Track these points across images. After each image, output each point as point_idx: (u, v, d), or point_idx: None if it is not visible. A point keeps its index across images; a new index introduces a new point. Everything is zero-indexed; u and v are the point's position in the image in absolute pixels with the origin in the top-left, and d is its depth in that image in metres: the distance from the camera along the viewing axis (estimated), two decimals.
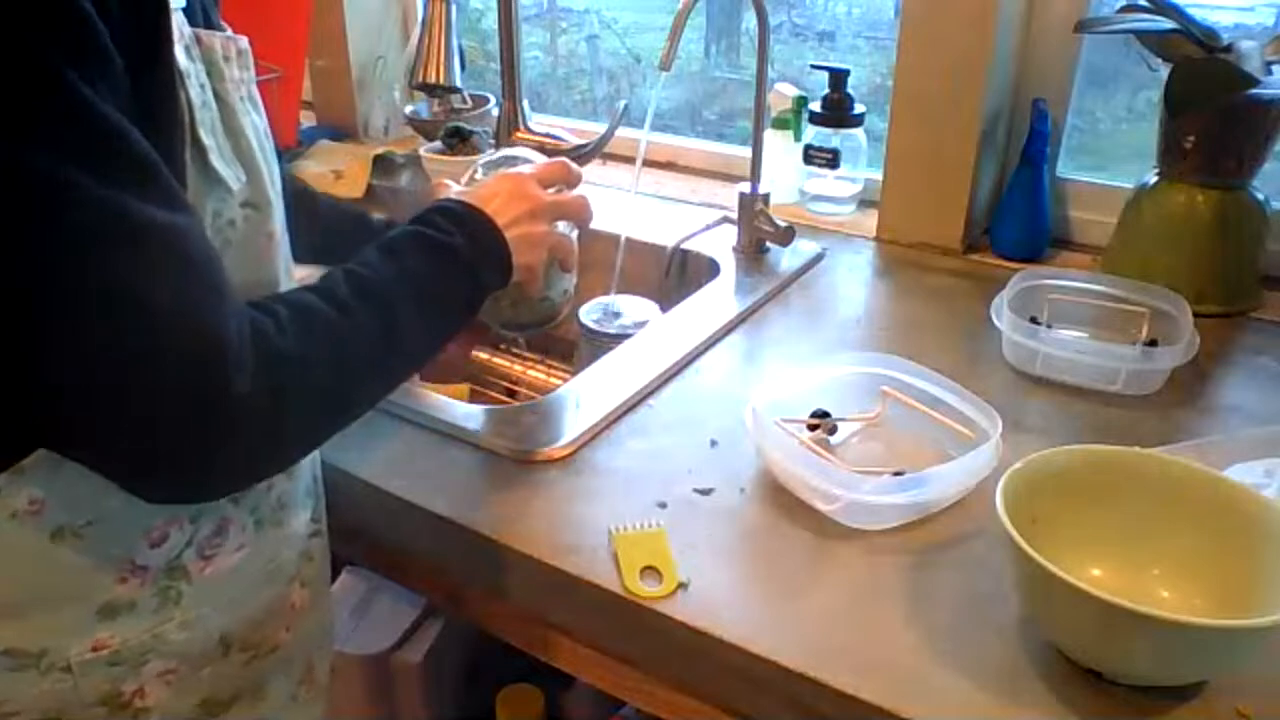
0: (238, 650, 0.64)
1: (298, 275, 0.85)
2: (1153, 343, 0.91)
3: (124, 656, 0.59)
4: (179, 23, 0.53)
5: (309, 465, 0.71)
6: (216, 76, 0.57)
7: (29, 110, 0.44)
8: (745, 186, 1.17)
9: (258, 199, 0.59)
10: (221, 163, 0.55)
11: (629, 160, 1.50)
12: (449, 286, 0.67)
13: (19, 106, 0.44)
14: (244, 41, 0.60)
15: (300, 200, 0.77)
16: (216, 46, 0.57)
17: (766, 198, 1.16)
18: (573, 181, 0.81)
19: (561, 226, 0.79)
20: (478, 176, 0.83)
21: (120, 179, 0.47)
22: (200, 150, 0.54)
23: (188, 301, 0.49)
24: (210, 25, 0.59)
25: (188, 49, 0.54)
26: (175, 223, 0.49)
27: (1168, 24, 0.98)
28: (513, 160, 0.83)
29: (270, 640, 0.67)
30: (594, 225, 1.26)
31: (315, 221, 0.83)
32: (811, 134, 1.28)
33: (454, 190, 0.78)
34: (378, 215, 0.90)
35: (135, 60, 0.48)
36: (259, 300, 0.56)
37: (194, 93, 0.53)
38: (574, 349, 1.18)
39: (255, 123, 0.60)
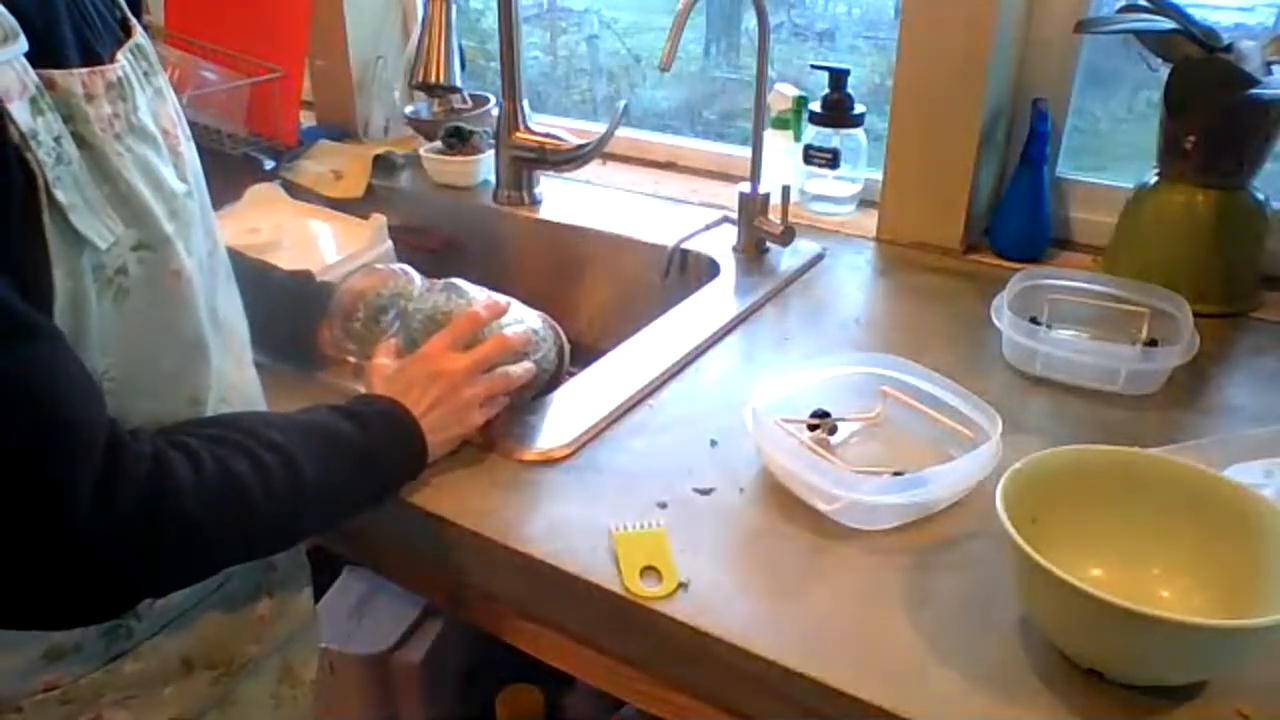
0: (202, 669, 0.63)
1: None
2: (1153, 343, 0.91)
3: (75, 694, 0.58)
4: (19, 72, 0.47)
5: None
6: (79, 119, 0.50)
7: None
8: (745, 186, 1.17)
9: (151, 239, 0.54)
10: (88, 218, 0.50)
11: (629, 160, 1.51)
12: (355, 484, 0.68)
13: None
14: (119, 70, 0.53)
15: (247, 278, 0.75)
16: (76, 88, 0.50)
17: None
18: (490, 320, 0.80)
19: (516, 318, 0.83)
20: (410, 308, 0.83)
21: None
22: (59, 211, 0.48)
23: (23, 447, 0.47)
24: (99, 36, 0.53)
25: (34, 100, 0.47)
26: (14, 364, 0.46)
27: (1168, 24, 0.98)
28: (452, 286, 0.84)
29: (239, 657, 0.66)
30: (594, 225, 1.28)
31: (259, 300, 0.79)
32: (811, 134, 1.28)
33: (390, 368, 0.78)
34: (321, 280, 0.91)
35: None
36: (198, 431, 0.56)
37: (44, 154, 0.47)
38: None
39: (140, 158, 0.54)
